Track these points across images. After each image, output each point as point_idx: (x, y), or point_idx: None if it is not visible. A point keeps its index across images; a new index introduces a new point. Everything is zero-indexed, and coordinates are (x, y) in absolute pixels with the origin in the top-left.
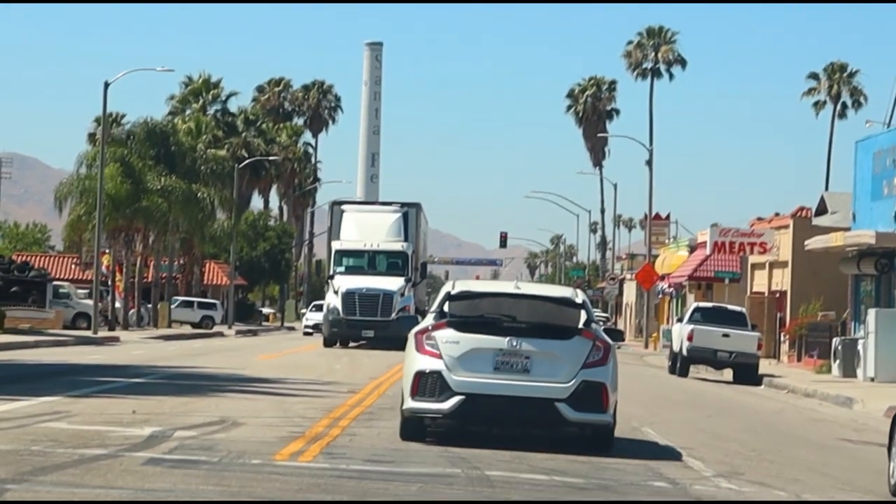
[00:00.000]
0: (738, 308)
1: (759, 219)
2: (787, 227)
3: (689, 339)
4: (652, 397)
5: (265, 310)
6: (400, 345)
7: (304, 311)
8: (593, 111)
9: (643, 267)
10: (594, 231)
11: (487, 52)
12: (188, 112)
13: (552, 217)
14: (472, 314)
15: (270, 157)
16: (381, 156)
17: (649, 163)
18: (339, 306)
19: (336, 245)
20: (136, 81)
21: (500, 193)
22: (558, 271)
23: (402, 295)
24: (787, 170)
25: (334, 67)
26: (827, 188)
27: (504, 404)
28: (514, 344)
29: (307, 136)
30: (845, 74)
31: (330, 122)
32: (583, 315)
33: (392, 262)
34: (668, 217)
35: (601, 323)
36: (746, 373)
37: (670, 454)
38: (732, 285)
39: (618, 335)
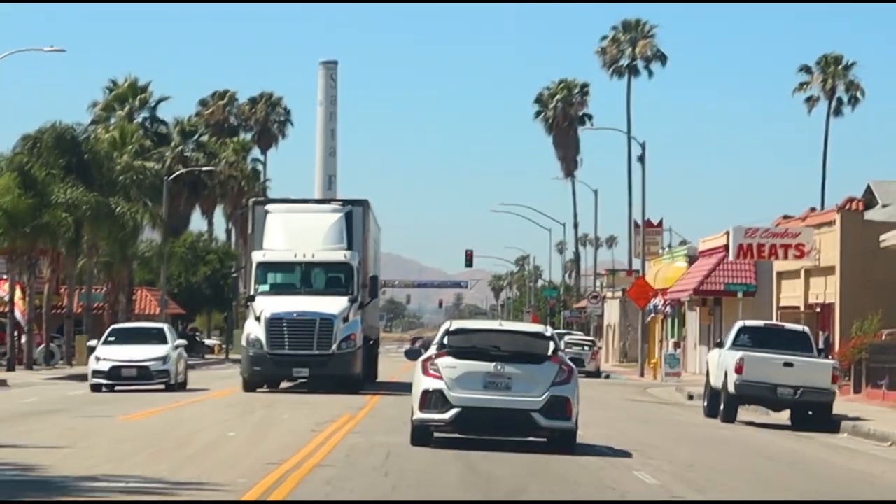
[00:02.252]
0: (797, 326)
1: (786, 217)
2: (830, 224)
3: (738, 370)
4: (754, 485)
5: (209, 341)
6: (345, 386)
7: (91, 341)
8: (564, 117)
9: (636, 282)
10: (561, 251)
11: (446, 57)
12: (113, 120)
13: (520, 235)
14: (465, 345)
15: (204, 168)
16: (338, 178)
17: (641, 158)
18: (263, 337)
19: (257, 256)
20: (71, 97)
21: (464, 212)
22: (528, 293)
23: (346, 320)
24: (780, 172)
25: (283, 82)
26: (823, 190)
27: (492, 414)
28: (499, 368)
29: (255, 152)
30: (840, 67)
31: (279, 136)
32: (551, 345)
33: (332, 278)
34: (660, 223)
35: (587, 347)
36: (817, 415)
37: None
38: (747, 299)
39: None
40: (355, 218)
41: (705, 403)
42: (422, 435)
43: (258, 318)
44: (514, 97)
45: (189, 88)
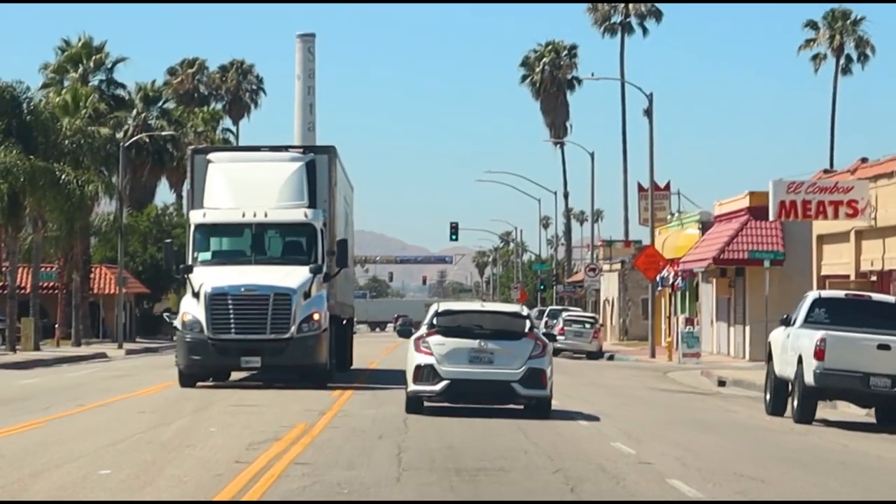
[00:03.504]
0: (888, 298)
1: (827, 171)
2: (890, 175)
3: (819, 355)
4: None
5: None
6: (308, 377)
7: None
8: (552, 81)
9: (645, 250)
10: (546, 226)
11: (426, 20)
12: (66, 84)
13: (506, 208)
14: (452, 324)
15: (164, 133)
16: None
17: (648, 112)
18: (203, 318)
19: (196, 217)
20: (27, 62)
21: (449, 186)
22: (516, 269)
23: (308, 295)
24: (786, 135)
25: (256, 52)
26: (832, 151)
27: (477, 385)
28: (482, 344)
29: (227, 123)
30: (849, 22)
31: (252, 106)
32: (527, 323)
33: (290, 243)
34: (667, 186)
35: (588, 325)
36: None
37: None
38: (775, 269)
39: (550, 338)
40: (319, 168)
41: (768, 397)
42: (415, 404)
43: (196, 295)
44: (499, 61)
45: (157, 58)
